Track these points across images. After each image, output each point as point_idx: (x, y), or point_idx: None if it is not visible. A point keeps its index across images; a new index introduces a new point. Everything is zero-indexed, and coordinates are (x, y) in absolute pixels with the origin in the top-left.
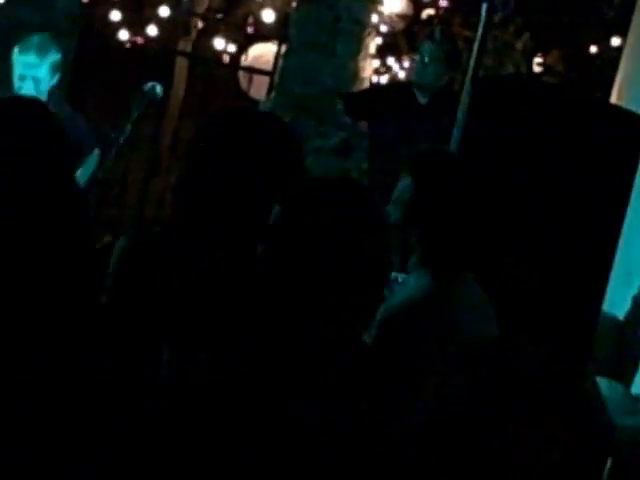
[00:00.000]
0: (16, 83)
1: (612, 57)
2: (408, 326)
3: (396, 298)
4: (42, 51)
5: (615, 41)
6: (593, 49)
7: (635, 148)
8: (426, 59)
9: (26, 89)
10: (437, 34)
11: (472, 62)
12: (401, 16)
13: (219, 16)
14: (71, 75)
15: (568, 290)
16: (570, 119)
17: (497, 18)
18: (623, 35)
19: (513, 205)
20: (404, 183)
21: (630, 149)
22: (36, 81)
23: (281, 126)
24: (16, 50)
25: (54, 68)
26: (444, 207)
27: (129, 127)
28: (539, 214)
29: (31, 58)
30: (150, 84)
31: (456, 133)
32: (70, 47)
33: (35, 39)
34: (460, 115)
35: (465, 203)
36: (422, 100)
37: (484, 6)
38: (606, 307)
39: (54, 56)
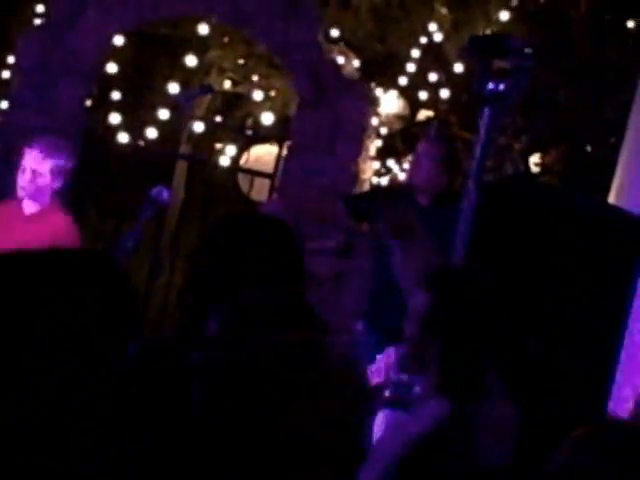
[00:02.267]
0: (18, 175)
1: (609, 157)
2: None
3: (416, 426)
4: (47, 150)
5: (613, 141)
6: (589, 148)
7: (636, 249)
8: (422, 158)
9: (22, 180)
10: (432, 132)
11: (474, 166)
12: (398, 117)
13: (218, 119)
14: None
15: (574, 390)
16: (573, 222)
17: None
18: (620, 135)
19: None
20: (420, 298)
21: (631, 251)
22: (35, 175)
23: (285, 229)
24: (26, 146)
25: (57, 171)
26: (463, 317)
27: (137, 232)
28: (543, 315)
29: (34, 153)
30: (157, 188)
31: (459, 239)
32: (75, 151)
33: (45, 138)
34: (464, 220)
35: (482, 314)
36: (423, 202)
37: (486, 110)
38: (611, 406)
39: (59, 160)
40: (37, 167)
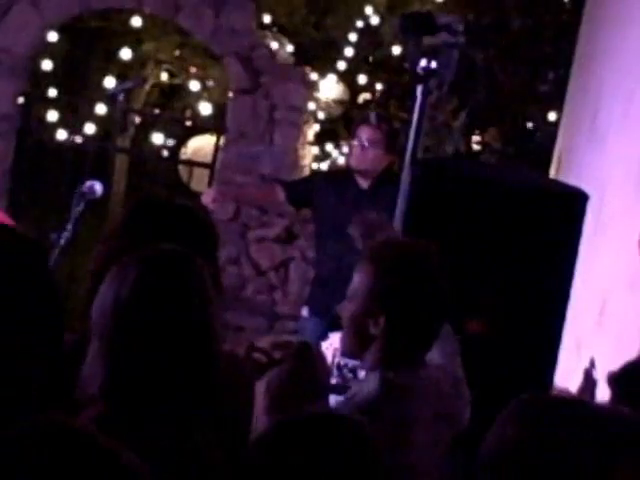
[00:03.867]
0: None
1: (549, 132)
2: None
3: (356, 397)
4: None
5: (551, 116)
6: (529, 124)
7: (576, 221)
8: (365, 143)
9: None
10: (372, 117)
11: (410, 144)
12: (337, 102)
13: (156, 111)
14: (11, 178)
15: (519, 365)
16: (511, 197)
17: (432, 99)
18: (559, 109)
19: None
20: (362, 275)
21: (571, 222)
22: None
23: (198, 216)
24: None
25: None
26: (409, 290)
27: (70, 227)
28: (485, 291)
29: None
30: (89, 183)
31: (398, 216)
32: (8, 150)
33: None
34: (401, 198)
35: (427, 285)
36: (363, 184)
37: (419, 88)
38: (557, 380)
39: None
40: None
